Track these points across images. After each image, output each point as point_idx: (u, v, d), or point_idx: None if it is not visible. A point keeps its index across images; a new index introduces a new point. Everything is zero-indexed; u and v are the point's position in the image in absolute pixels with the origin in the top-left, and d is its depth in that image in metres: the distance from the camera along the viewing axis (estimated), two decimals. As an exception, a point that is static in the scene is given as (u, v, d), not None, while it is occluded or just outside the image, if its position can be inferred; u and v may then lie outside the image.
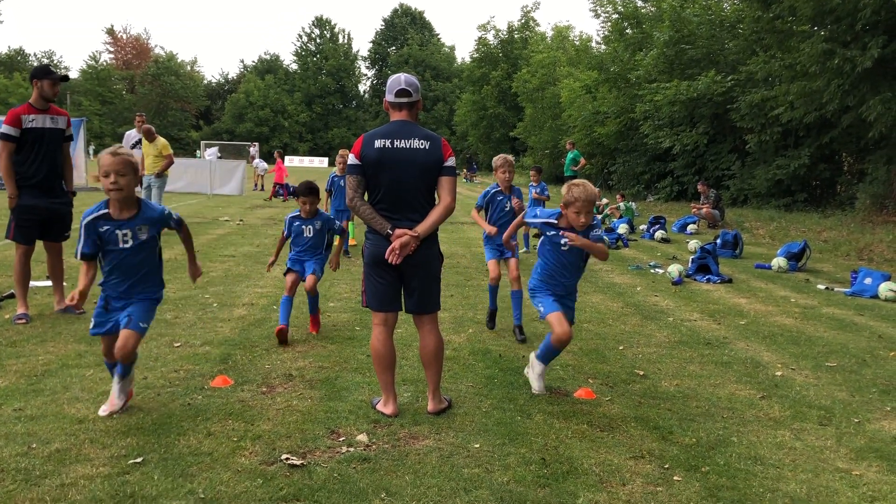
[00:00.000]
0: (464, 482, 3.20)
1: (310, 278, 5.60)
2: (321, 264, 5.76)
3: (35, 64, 76.19)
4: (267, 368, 4.80)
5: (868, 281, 8.59)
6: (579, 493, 3.14)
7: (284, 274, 5.73)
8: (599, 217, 14.43)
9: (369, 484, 3.15)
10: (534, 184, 11.71)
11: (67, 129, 6.12)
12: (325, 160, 67.59)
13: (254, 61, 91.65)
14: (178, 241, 4.24)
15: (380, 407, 4.04)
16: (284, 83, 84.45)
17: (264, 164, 29.15)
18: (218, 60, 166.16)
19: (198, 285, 7.56)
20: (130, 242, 3.70)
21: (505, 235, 5.01)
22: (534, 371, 4.44)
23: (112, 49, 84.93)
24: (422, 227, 3.83)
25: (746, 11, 19.90)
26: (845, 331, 6.58)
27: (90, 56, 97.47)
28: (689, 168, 23.78)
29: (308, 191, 5.62)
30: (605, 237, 4.25)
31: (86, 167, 22.37)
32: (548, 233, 4.25)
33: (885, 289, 8.25)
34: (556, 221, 4.18)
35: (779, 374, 5.13)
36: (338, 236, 5.87)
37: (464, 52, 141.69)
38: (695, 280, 9.28)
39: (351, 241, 10.57)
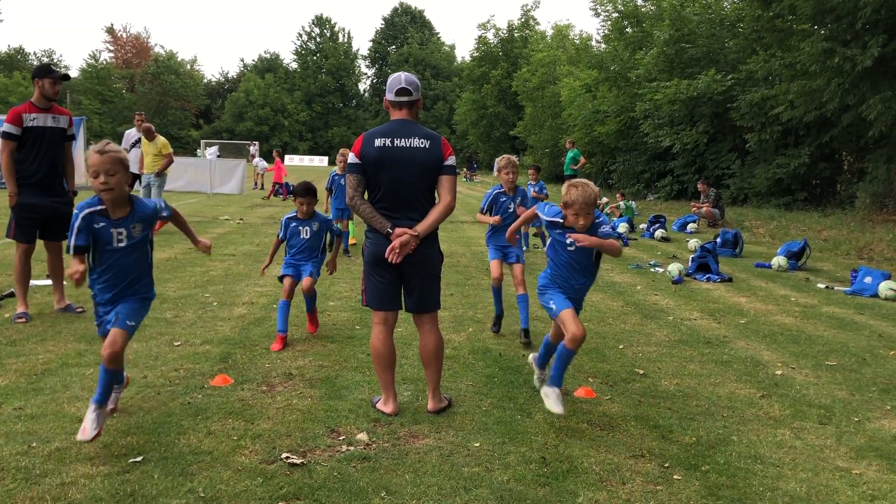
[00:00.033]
0: (464, 481, 3.20)
1: (306, 280, 5.45)
2: (318, 267, 5.61)
3: (35, 63, 76.42)
4: (267, 367, 4.80)
5: (868, 280, 8.59)
6: (579, 492, 3.15)
7: (280, 279, 5.58)
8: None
9: (369, 482, 3.16)
10: (532, 182, 11.71)
11: (69, 129, 6.13)
12: (325, 159, 67.58)
13: (254, 60, 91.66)
14: (177, 240, 4.26)
15: (380, 406, 4.04)
16: (284, 82, 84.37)
17: (264, 163, 29.15)
18: (218, 59, 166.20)
19: (198, 284, 7.56)
20: (125, 242, 3.49)
21: (511, 229, 4.82)
22: (549, 399, 3.91)
23: (112, 48, 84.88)
24: (422, 227, 3.83)
25: (746, 10, 19.90)
26: (845, 330, 6.58)
27: (90, 55, 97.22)
28: (689, 167, 23.79)
29: (305, 191, 5.47)
30: (614, 233, 4.04)
31: (86, 166, 22.38)
32: (553, 231, 4.06)
33: (885, 287, 8.25)
34: (561, 221, 4.00)
35: (779, 372, 5.14)
36: (337, 236, 5.74)
37: (464, 51, 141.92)
38: (695, 279, 9.28)
39: (351, 241, 10.59)
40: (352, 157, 3.89)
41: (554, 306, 4.00)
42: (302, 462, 3.33)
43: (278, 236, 5.64)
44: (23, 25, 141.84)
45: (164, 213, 3.73)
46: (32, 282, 6.44)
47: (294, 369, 4.77)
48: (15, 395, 4.07)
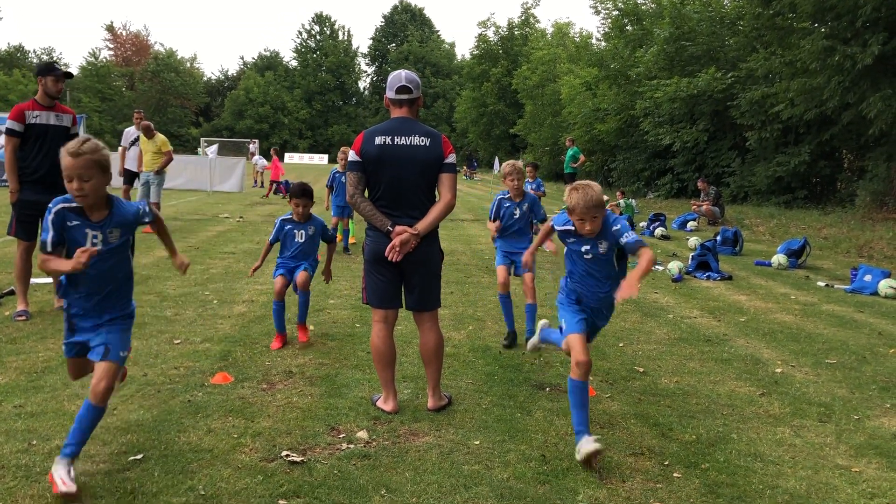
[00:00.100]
0: (464, 479, 3.21)
1: (301, 274, 5.26)
2: (313, 266, 5.43)
3: (34, 60, 76.31)
4: (267, 365, 4.80)
5: (868, 278, 8.59)
6: (579, 490, 3.15)
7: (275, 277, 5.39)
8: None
9: (369, 480, 3.16)
10: (529, 180, 11.68)
11: (73, 128, 6.15)
12: (325, 157, 67.51)
13: (253, 58, 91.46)
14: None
15: (380, 404, 4.04)
16: (284, 80, 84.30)
17: (263, 161, 29.14)
18: (217, 57, 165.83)
19: (198, 282, 7.56)
20: (100, 246, 3.06)
21: (529, 252, 4.44)
22: (581, 450, 3.40)
23: (112, 46, 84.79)
24: (422, 225, 3.83)
25: (747, 8, 19.89)
26: (845, 328, 6.59)
27: (90, 53, 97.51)
28: (690, 165, 23.78)
29: (302, 193, 5.24)
30: (635, 238, 3.57)
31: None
32: (567, 240, 3.75)
33: (885, 286, 8.25)
34: (573, 228, 3.68)
35: (779, 370, 5.14)
36: (329, 244, 5.48)
37: (464, 49, 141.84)
38: (695, 277, 9.28)
39: (351, 239, 10.61)
40: (352, 155, 3.89)
41: (564, 325, 3.70)
42: (302, 460, 3.33)
43: (270, 238, 5.40)
44: (22, 23, 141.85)
45: (146, 219, 3.30)
46: (33, 280, 6.44)
47: (294, 367, 4.78)
48: (15, 392, 4.07)
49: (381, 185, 3.86)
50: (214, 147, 35.08)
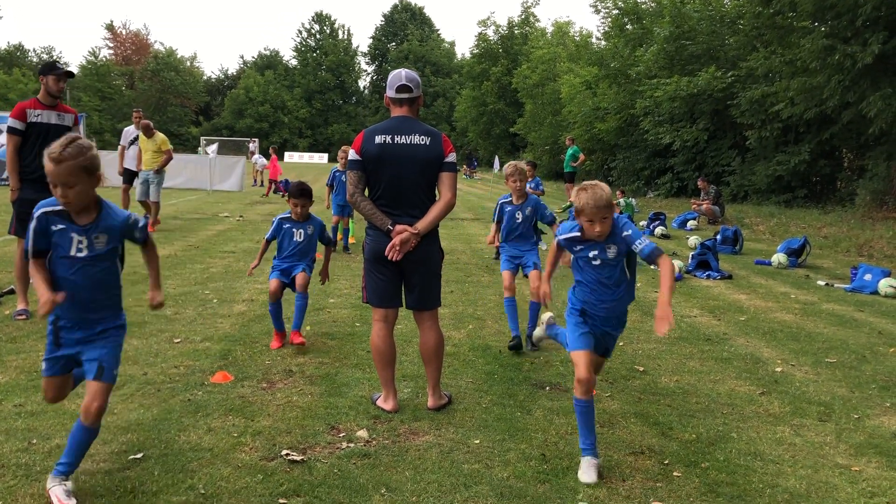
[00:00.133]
0: (464, 478, 3.21)
1: (301, 276, 5.15)
2: (310, 267, 5.33)
3: (34, 59, 76.24)
4: (267, 364, 4.80)
5: (868, 277, 8.59)
6: (579, 489, 3.15)
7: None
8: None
9: (369, 479, 3.16)
10: (528, 179, 11.67)
11: (74, 128, 6.15)
12: (325, 156, 67.53)
13: (253, 57, 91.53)
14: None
15: (380, 403, 4.04)
16: (284, 79, 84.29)
17: (263, 160, 29.14)
18: (217, 56, 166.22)
19: (198, 281, 7.56)
20: (85, 252, 2.87)
21: (543, 278, 3.92)
22: (582, 471, 3.33)
23: (111, 45, 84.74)
24: (422, 224, 3.83)
25: (747, 7, 19.88)
26: (845, 327, 6.59)
27: (90, 52, 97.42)
28: (689, 164, 23.79)
29: (300, 192, 5.14)
30: (642, 240, 3.40)
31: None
32: (574, 248, 3.56)
33: (885, 285, 8.25)
34: (578, 235, 3.49)
35: (779, 370, 5.14)
36: (327, 245, 5.44)
37: (464, 48, 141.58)
38: (695, 276, 9.28)
39: (351, 239, 10.63)
40: (352, 154, 3.89)
41: (569, 339, 3.57)
42: (302, 459, 3.33)
43: (266, 236, 5.29)
44: (22, 22, 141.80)
45: (137, 234, 3.05)
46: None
47: (294, 366, 4.78)
48: (15, 392, 4.07)
49: (382, 184, 3.86)
50: (214, 146, 35.09)
